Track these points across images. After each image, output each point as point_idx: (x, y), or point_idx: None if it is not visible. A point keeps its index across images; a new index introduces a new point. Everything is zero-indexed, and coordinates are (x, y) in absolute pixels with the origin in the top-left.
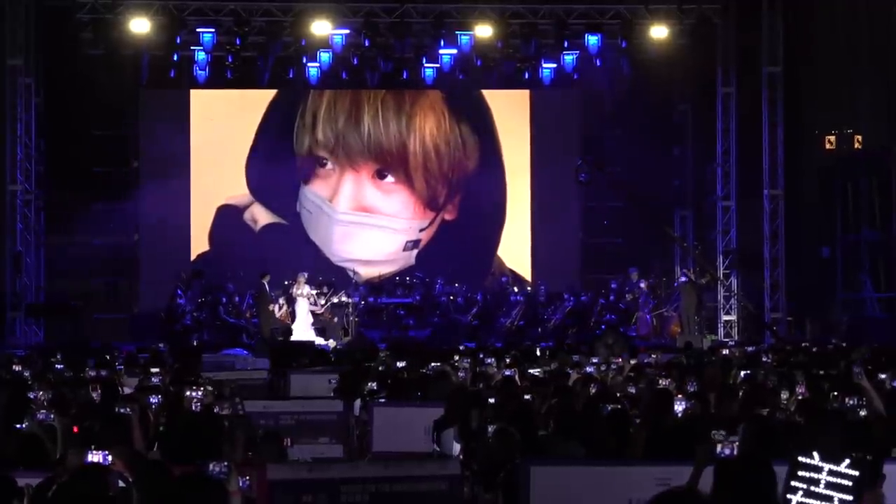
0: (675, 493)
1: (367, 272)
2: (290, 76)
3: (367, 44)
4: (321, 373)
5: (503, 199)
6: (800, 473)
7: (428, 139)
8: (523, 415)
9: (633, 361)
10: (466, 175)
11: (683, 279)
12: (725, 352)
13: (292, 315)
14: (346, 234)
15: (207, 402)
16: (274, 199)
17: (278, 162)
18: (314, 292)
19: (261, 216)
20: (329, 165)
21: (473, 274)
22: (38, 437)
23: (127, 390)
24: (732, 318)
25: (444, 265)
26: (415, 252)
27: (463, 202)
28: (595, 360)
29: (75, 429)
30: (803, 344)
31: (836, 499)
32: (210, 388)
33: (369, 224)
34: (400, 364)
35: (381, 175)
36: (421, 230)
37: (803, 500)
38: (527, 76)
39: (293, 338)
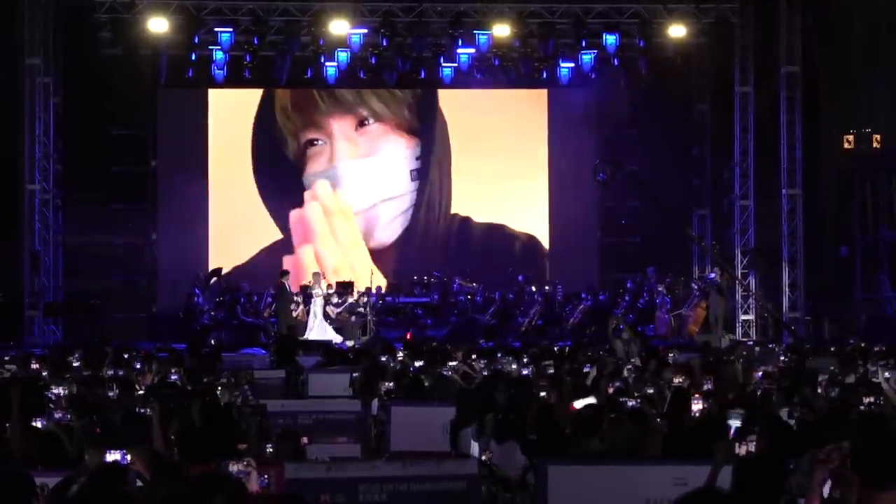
0: (699, 493)
1: (387, 210)
2: (309, 76)
3: (384, 43)
4: (339, 372)
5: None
6: None
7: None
8: (544, 415)
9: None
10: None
11: (713, 276)
12: (744, 351)
13: (309, 314)
14: (356, 186)
15: (225, 401)
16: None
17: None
18: (331, 291)
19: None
20: (319, 142)
21: (491, 273)
22: (56, 436)
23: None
24: (751, 317)
25: (462, 264)
26: (418, 182)
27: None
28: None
29: (97, 429)
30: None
31: None
32: (226, 382)
33: (373, 168)
34: (417, 363)
35: (362, 124)
36: (417, 158)
37: None
38: (545, 75)
39: (310, 337)
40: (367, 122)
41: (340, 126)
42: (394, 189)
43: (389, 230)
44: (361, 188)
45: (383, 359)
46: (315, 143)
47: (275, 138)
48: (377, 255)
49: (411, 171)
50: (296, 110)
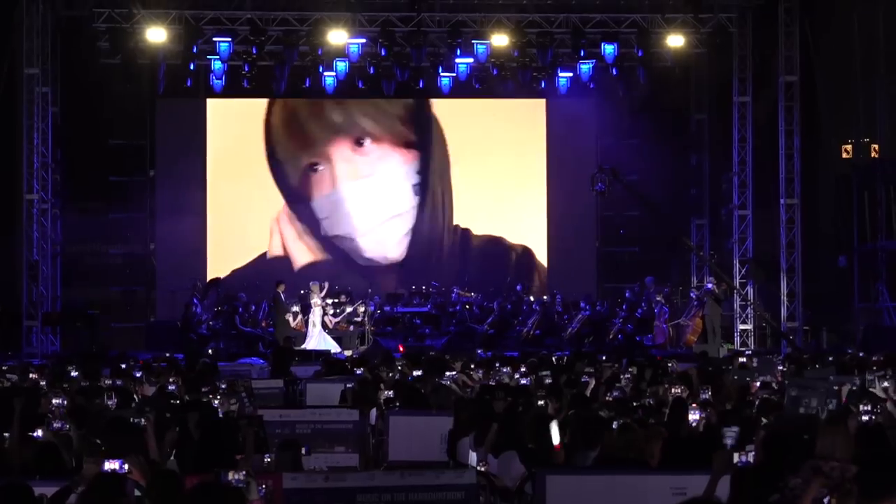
0: (696, 502)
1: (393, 228)
2: (307, 85)
3: (383, 53)
4: (337, 382)
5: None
6: None
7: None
8: (541, 424)
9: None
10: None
11: (710, 286)
12: (742, 360)
13: (307, 324)
14: (360, 207)
15: (224, 410)
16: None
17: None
18: (329, 301)
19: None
20: (319, 166)
21: (489, 283)
22: (54, 445)
23: None
24: (749, 327)
25: (460, 274)
26: (420, 197)
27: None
28: None
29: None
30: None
31: None
32: (223, 389)
33: (375, 187)
34: (416, 373)
35: (359, 143)
36: (417, 172)
37: None
38: (543, 85)
39: (309, 347)
40: (362, 142)
41: (338, 148)
42: (398, 206)
43: (399, 248)
44: (366, 208)
45: (359, 371)
46: (315, 167)
47: (278, 155)
48: (385, 272)
49: (413, 185)
50: (290, 132)
